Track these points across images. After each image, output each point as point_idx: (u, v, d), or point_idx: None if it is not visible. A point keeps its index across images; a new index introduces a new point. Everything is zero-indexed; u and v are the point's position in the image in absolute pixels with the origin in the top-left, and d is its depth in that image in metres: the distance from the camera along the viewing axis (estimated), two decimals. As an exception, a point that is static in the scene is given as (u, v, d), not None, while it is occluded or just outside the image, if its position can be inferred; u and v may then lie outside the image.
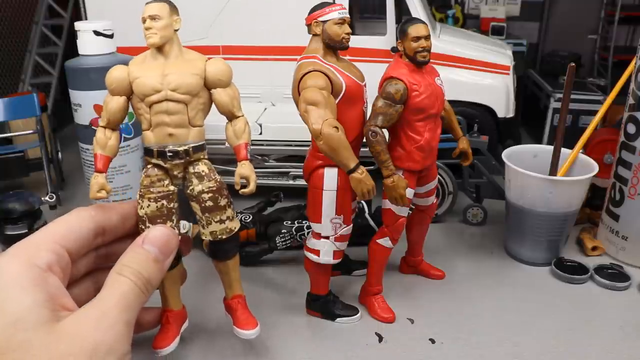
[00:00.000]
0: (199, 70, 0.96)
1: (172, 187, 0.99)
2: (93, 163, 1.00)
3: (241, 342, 1.23)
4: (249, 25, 2.03)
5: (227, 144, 1.02)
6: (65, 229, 0.53)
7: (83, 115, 1.64)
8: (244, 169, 0.99)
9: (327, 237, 1.21)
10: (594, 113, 1.99)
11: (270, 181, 1.92)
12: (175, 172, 0.99)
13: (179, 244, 0.76)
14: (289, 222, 1.54)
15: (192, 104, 0.96)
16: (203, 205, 1.00)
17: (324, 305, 1.31)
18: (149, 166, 0.99)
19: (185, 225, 1.60)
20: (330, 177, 1.17)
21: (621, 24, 3.36)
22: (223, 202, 1.01)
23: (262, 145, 1.88)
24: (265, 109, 2.03)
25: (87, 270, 0.66)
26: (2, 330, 0.41)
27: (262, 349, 1.22)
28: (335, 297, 1.33)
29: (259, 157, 1.91)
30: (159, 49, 0.96)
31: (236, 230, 1.05)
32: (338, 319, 1.31)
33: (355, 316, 1.31)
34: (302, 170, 1.27)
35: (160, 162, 0.98)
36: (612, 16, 3.37)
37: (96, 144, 0.96)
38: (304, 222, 1.52)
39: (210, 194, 1.00)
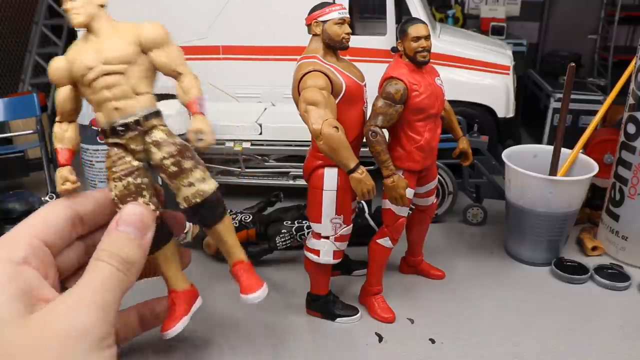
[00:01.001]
0: (133, 38, 0.93)
1: (135, 163, 0.94)
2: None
3: (241, 342, 1.23)
4: (249, 25, 2.03)
5: (181, 101, 0.97)
6: (40, 222, 0.53)
7: (83, 115, 1.63)
8: (197, 121, 0.93)
9: (327, 237, 1.21)
10: (594, 113, 1.99)
11: (270, 181, 1.92)
12: (133, 146, 0.94)
13: (155, 217, 0.73)
14: (289, 222, 1.54)
15: (131, 72, 0.92)
16: (168, 172, 0.94)
17: (324, 305, 1.31)
18: (108, 148, 0.95)
19: (185, 225, 1.60)
20: (330, 177, 1.17)
21: (621, 24, 3.36)
22: (188, 164, 0.95)
23: (262, 145, 1.88)
24: (265, 109, 2.03)
25: (81, 260, 0.65)
26: None
27: (262, 348, 1.22)
28: (335, 297, 1.33)
29: (259, 157, 1.91)
30: (89, 28, 0.92)
31: (212, 191, 0.97)
32: (338, 319, 1.31)
33: (355, 316, 1.31)
34: (302, 170, 1.27)
35: (116, 140, 0.93)
36: (612, 16, 3.37)
37: (56, 140, 0.95)
38: (304, 222, 1.52)
39: (171, 159, 0.94)
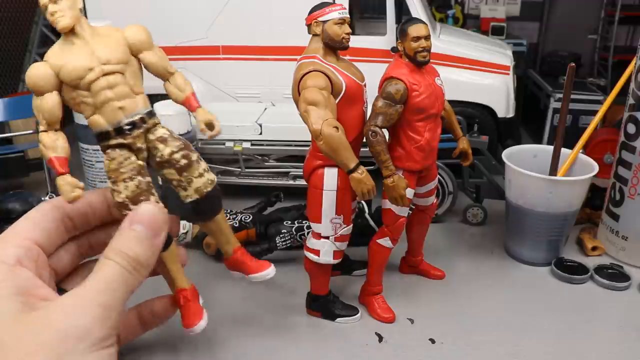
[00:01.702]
0: (121, 39, 0.94)
1: (140, 162, 0.95)
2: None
3: (241, 342, 1.23)
4: (249, 25, 2.03)
5: (174, 101, 1.01)
6: (31, 224, 0.53)
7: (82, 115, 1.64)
8: (203, 113, 0.98)
9: (327, 237, 1.21)
10: (594, 113, 1.99)
11: (270, 181, 1.92)
12: (139, 145, 0.94)
13: (168, 219, 0.73)
14: (289, 222, 1.54)
15: (128, 72, 0.93)
16: (178, 165, 0.96)
17: (324, 305, 1.31)
18: (108, 150, 0.94)
19: (185, 226, 1.60)
20: (330, 177, 1.17)
21: (621, 24, 3.36)
22: (195, 156, 0.98)
23: (262, 145, 1.88)
24: (265, 109, 2.03)
25: (74, 261, 0.64)
26: None
27: (262, 348, 1.22)
28: (335, 297, 1.33)
29: (259, 157, 1.91)
30: (71, 32, 0.91)
31: (216, 180, 1.01)
32: (338, 319, 1.31)
33: (355, 316, 1.31)
34: (302, 170, 1.27)
35: (121, 140, 0.93)
36: (612, 16, 3.38)
37: (45, 149, 0.90)
38: (304, 222, 1.52)
39: (181, 152, 0.96)
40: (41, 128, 0.91)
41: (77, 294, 0.45)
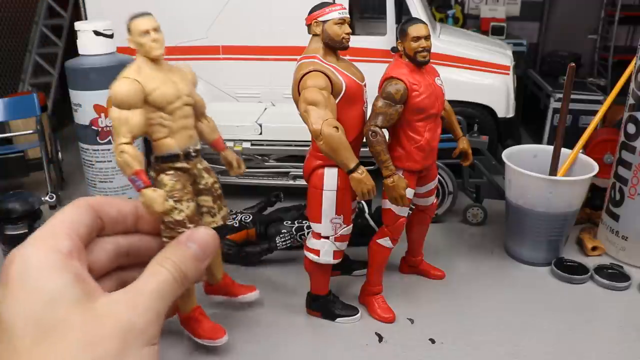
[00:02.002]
0: (190, 77, 1.06)
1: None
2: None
3: (242, 342, 1.23)
4: (249, 25, 2.03)
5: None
6: (73, 219, 0.54)
7: (83, 115, 1.64)
8: (232, 154, 1.16)
9: (327, 237, 1.21)
10: (594, 113, 1.99)
11: (270, 181, 1.92)
12: (195, 170, 1.06)
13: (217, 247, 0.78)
14: (289, 222, 1.54)
15: (192, 107, 1.04)
16: (215, 194, 1.10)
17: (324, 305, 1.31)
18: (170, 172, 1.03)
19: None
20: (330, 177, 1.16)
21: (621, 24, 3.36)
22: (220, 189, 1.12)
23: (262, 145, 1.88)
24: (265, 109, 2.03)
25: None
26: (41, 308, 0.42)
27: (262, 348, 1.22)
28: (335, 297, 1.33)
29: (259, 157, 1.91)
30: (154, 60, 1.00)
31: None
32: (338, 319, 1.30)
33: (355, 316, 1.31)
34: (302, 170, 1.27)
35: (185, 164, 1.04)
36: (612, 16, 3.37)
37: (132, 160, 0.96)
38: (304, 222, 1.52)
39: (217, 184, 1.10)
40: (124, 140, 0.96)
41: (135, 293, 0.47)
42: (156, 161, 1.04)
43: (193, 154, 1.05)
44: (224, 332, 1.19)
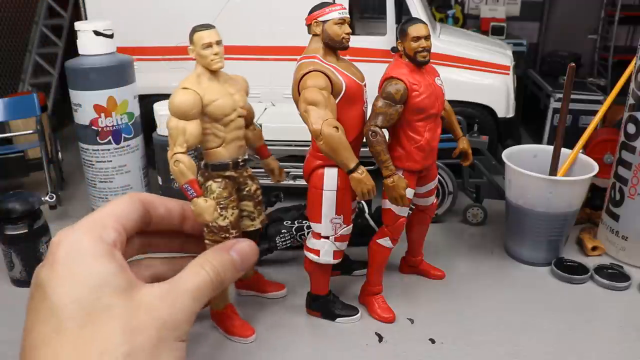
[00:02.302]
0: (244, 87, 1.11)
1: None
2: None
3: (241, 342, 1.24)
4: (249, 25, 2.03)
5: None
6: (123, 212, 0.55)
7: (83, 115, 1.64)
8: (273, 161, 1.25)
9: (327, 237, 1.21)
10: (594, 113, 1.99)
11: (270, 181, 1.92)
12: (241, 178, 1.12)
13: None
14: (289, 222, 1.54)
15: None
16: (256, 200, 1.17)
17: (324, 305, 1.31)
18: (218, 179, 1.08)
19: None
20: (330, 177, 1.16)
21: (621, 24, 3.36)
22: None
23: (262, 145, 1.87)
24: (265, 109, 2.03)
25: (132, 254, 0.67)
26: (88, 293, 0.43)
27: (262, 349, 1.22)
28: (335, 297, 1.33)
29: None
30: (213, 72, 1.04)
31: None
32: (338, 319, 1.31)
33: (355, 316, 1.31)
34: (302, 170, 1.27)
35: (233, 173, 1.10)
36: (612, 16, 3.37)
37: (187, 170, 0.99)
38: (304, 222, 1.52)
39: (259, 190, 1.17)
40: (179, 150, 0.99)
41: (176, 288, 0.49)
42: (205, 168, 1.09)
43: (241, 163, 1.11)
44: (253, 330, 1.24)
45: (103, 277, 0.43)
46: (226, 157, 1.08)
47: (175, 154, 0.99)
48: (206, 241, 1.06)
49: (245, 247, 0.61)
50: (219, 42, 1.03)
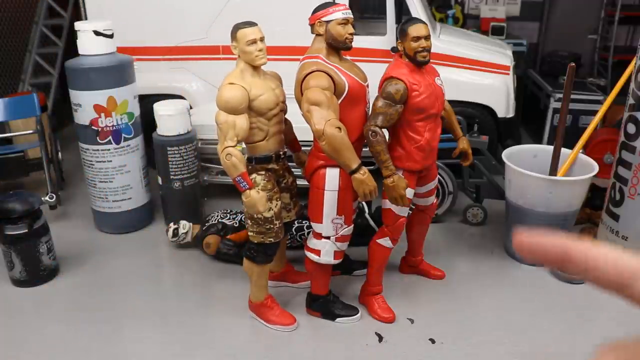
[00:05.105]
0: (280, 83, 1.15)
1: None
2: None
3: (242, 341, 1.23)
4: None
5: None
6: None
7: (83, 115, 1.64)
8: (303, 155, 1.28)
9: (328, 238, 1.21)
10: (594, 113, 1.99)
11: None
12: (281, 171, 1.17)
13: None
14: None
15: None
16: (293, 192, 1.23)
17: (324, 305, 1.31)
18: (262, 172, 1.12)
19: (185, 226, 1.60)
20: (331, 177, 1.16)
21: (621, 24, 3.36)
22: None
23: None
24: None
25: None
26: None
27: (263, 348, 1.22)
28: (335, 297, 1.33)
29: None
30: (255, 67, 1.08)
31: None
32: (338, 319, 1.30)
33: (355, 316, 1.31)
34: (302, 170, 1.27)
35: (275, 166, 1.14)
36: (612, 16, 3.37)
37: (239, 162, 1.02)
38: (304, 222, 1.52)
39: (295, 182, 1.23)
40: (230, 143, 1.03)
41: None
42: (249, 161, 1.12)
43: (282, 156, 1.16)
44: (294, 318, 1.26)
45: None
46: (270, 149, 1.12)
47: (226, 147, 1.02)
48: (250, 233, 1.11)
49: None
50: (262, 39, 1.06)
